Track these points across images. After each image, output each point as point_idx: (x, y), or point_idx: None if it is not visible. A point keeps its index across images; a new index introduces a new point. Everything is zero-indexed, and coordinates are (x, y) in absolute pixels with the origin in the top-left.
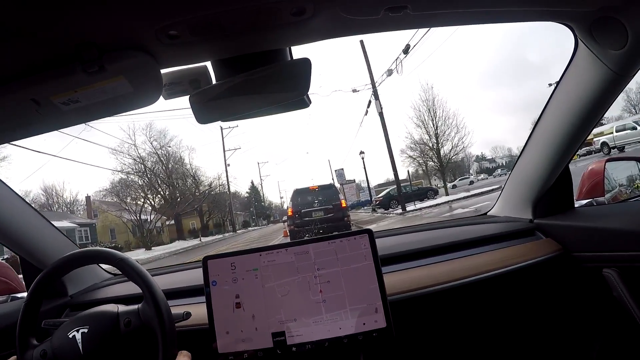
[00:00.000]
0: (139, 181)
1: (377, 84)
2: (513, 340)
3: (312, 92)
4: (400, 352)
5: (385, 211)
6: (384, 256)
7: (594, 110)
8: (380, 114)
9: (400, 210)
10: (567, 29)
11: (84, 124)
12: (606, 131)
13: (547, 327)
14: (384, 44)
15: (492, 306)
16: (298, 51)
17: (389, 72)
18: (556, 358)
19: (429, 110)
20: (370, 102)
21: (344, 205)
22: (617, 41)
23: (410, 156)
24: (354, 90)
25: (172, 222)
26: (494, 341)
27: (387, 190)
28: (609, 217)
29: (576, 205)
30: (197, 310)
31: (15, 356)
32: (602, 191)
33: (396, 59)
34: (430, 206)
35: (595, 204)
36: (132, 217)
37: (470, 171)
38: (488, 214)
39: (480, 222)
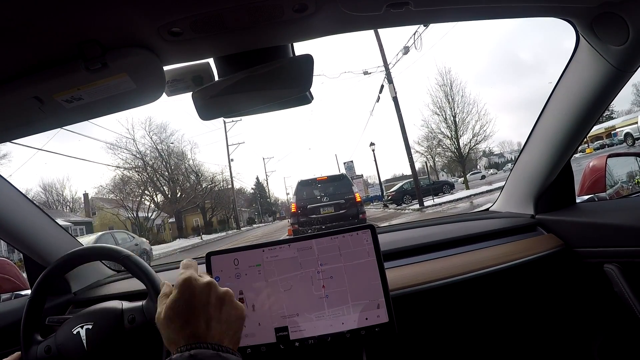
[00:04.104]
0: (138, 177)
1: (390, 66)
2: (515, 334)
3: (318, 74)
4: (403, 346)
5: (398, 207)
6: (386, 251)
7: (595, 106)
8: (395, 99)
9: (417, 206)
10: (567, 26)
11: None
12: (630, 121)
13: (549, 322)
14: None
15: (494, 301)
16: (300, 47)
17: (406, 50)
18: (558, 352)
19: (446, 95)
20: (382, 86)
21: (358, 199)
22: (618, 37)
23: (417, 151)
24: (365, 73)
25: (174, 219)
26: (496, 336)
27: (400, 184)
28: (610, 212)
29: (578, 201)
30: None
31: (19, 352)
32: (604, 187)
33: (414, 33)
34: (451, 201)
35: (596, 200)
36: (131, 215)
37: (478, 166)
38: (490, 209)
39: (482, 217)
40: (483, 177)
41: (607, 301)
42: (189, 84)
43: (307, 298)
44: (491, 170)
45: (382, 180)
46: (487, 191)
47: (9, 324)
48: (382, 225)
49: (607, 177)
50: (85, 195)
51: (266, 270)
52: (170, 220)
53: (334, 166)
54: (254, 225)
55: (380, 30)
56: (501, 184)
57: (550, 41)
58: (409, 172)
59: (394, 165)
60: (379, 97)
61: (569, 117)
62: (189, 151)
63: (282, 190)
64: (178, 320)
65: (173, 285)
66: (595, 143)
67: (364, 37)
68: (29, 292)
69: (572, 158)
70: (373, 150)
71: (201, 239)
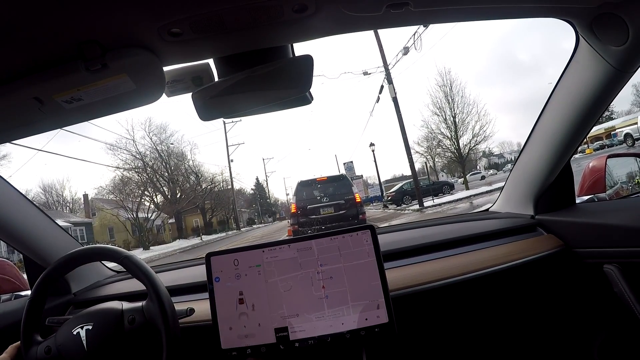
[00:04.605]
0: (138, 177)
1: (390, 66)
2: (515, 334)
3: (318, 75)
4: (403, 347)
5: (398, 207)
6: (386, 252)
7: (594, 107)
8: (394, 99)
9: (417, 206)
10: (567, 26)
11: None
12: (630, 122)
13: (549, 322)
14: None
15: (494, 301)
16: (300, 48)
17: (406, 51)
18: (558, 352)
19: (446, 96)
20: (382, 87)
21: (358, 199)
22: (618, 37)
23: (417, 152)
24: (365, 73)
25: (174, 220)
26: (496, 336)
27: (400, 185)
28: (609, 213)
29: (577, 202)
30: (201, 307)
31: (17, 342)
32: (603, 187)
33: (414, 33)
34: (451, 201)
35: (596, 200)
36: (130, 216)
37: (478, 167)
38: (490, 210)
39: (482, 218)
40: (483, 177)
41: (607, 301)
42: (189, 85)
43: (307, 298)
44: (491, 171)
45: (382, 180)
46: (487, 192)
47: (9, 324)
48: (382, 225)
49: (606, 178)
50: (85, 196)
51: (266, 270)
52: (170, 220)
53: (333, 166)
54: (254, 226)
55: (380, 31)
56: (501, 184)
57: (550, 42)
58: (408, 172)
59: (394, 165)
60: (378, 98)
61: (569, 118)
62: (188, 152)
63: (282, 191)
64: None
65: None
66: (595, 143)
67: (364, 38)
68: (29, 292)
69: (572, 158)
70: (373, 151)
71: (201, 239)
